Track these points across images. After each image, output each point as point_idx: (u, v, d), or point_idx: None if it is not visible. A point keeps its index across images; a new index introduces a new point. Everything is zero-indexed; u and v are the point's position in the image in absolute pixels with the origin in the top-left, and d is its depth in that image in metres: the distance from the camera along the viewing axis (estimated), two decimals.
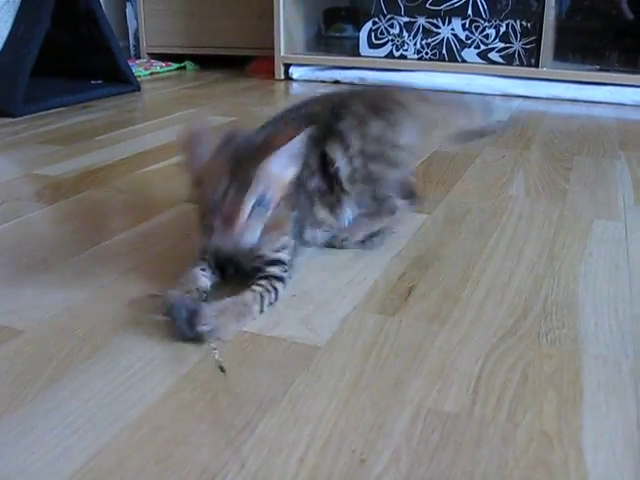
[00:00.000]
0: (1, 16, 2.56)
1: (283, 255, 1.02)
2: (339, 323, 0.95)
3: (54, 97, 2.56)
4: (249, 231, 0.91)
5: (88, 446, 0.71)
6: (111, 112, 2.48)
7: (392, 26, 2.95)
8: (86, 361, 0.87)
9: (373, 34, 2.98)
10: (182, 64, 3.56)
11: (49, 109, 2.52)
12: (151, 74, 3.34)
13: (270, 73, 3.18)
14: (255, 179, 0.89)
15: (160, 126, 2.22)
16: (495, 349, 0.88)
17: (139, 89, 2.87)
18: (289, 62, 3.11)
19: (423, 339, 0.91)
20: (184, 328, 0.88)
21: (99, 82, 2.86)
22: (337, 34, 3.52)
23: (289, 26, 3.10)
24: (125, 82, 2.83)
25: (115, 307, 0.99)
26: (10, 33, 2.51)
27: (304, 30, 3.25)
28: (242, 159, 0.90)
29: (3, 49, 2.49)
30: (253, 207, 0.89)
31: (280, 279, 1.01)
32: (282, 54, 3.09)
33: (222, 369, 0.83)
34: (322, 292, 1.04)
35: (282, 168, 0.94)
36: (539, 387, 0.81)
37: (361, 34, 2.99)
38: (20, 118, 2.40)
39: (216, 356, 0.85)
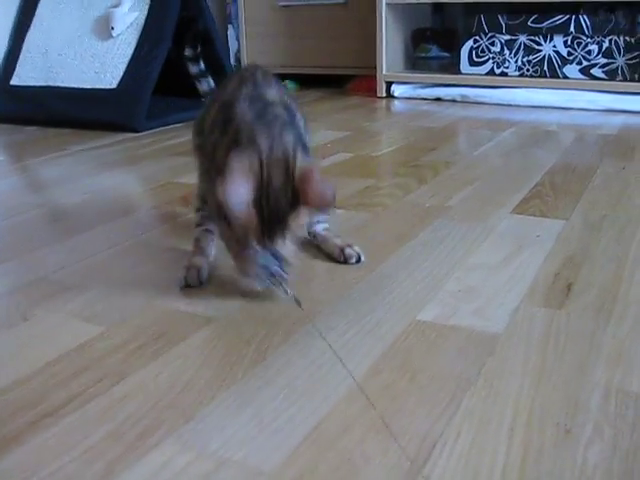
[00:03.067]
0: (125, 38, 2.71)
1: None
2: (510, 315, 1.00)
3: (172, 114, 2.69)
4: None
5: (309, 416, 0.78)
6: None
7: (493, 44, 3.00)
8: (283, 344, 0.94)
9: (474, 52, 3.03)
10: (282, 83, 3.66)
11: (167, 125, 2.65)
12: None
13: (370, 91, 3.26)
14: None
15: None
16: None
17: None
18: (390, 80, 3.18)
19: (595, 329, 0.96)
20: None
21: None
22: (422, 54, 3.58)
23: (389, 45, 3.17)
24: None
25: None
26: (134, 53, 2.65)
27: (403, 49, 3.33)
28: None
29: (127, 68, 2.63)
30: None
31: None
32: (384, 72, 3.16)
33: (298, 303, 1.04)
34: (486, 288, 1.10)
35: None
36: None
37: (462, 52, 3.05)
38: (142, 133, 2.54)
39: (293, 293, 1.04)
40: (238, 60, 3.84)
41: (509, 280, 1.13)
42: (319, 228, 1.25)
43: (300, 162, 0.95)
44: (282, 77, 3.66)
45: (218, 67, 2.88)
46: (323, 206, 0.96)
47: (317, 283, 1.16)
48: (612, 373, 0.85)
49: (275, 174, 0.94)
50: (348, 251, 1.20)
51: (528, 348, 0.91)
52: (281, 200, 0.94)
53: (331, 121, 2.68)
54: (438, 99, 3.09)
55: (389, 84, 3.21)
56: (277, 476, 0.68)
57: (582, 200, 1.57)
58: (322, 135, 2.35)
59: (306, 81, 3.65)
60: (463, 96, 3.02)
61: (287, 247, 0.97)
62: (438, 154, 2.05)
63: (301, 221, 0.97)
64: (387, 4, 3.09)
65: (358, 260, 1.20)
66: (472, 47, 3.05)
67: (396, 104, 3.10)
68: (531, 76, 2.96)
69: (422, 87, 3.15)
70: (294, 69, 3.66)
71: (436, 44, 3.59)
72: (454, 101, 3.05)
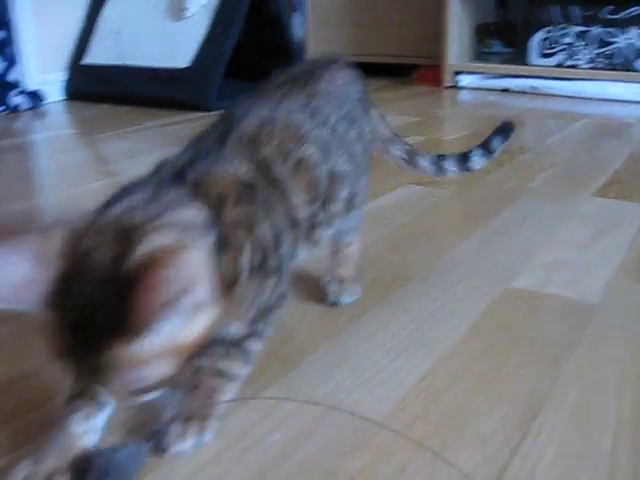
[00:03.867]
0: (199, 18, 2.73)
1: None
2: (605, 286, 1.00)
3: (240, 94, 2.70)
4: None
5: (412, 370, 0.79)
6: None
7: (565, 35, 2.96)
8: (377, 305, 0.95)
9: (544, 43, 3.00)
10: None
11: None
12: None
13: (435, 81, 3.25)
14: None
15: None
16: None
17: None
18: (457, 70, 3.17)
19: None
20: None
21: None
22: (486, 50, 3.55)
23: (456, 35, 3.16)
24: None
25: None
26: (207, 34, 2.68)
27: (468, 40, 3.30)
28: None
29: (200, 49, 2.66)
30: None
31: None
32: (451, 62, 3.14)
33: None
34: (577, 262, 1.10)
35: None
36: None
37: (532, 43, 3.02)
38: (213, 112, 2.56)
39: None
40: (303, 48, 3.86)
41: (599, 255, 1.12)
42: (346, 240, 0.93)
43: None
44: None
45: (285, 51, 2.90)
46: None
47: (408, 250, 1.16)
48: None
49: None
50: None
51: (627, 317, 0.91)
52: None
53: (400, 108, 2.68)
54: (505, 90, 3.06)
55: (455, 74, 3.19)
56: (388, 422, 0.69)
57: None
58: (393, 121, 2.34)
59: (370, 69, 3.64)
60: (532, 88, 2.99)
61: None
62: (511, 140, 2.03)
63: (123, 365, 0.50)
64: None
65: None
66: (543, 38, 3.01)
67: (463, 94, 3.08)
68: (603, 69, 2.92)
69: (489, 78, 3.12)
70: (358, 57, 3.65)
71: (499, 39, 3.56)
72: (522, 93, 3.01)
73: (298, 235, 0.70)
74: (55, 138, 2.25)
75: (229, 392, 0.69)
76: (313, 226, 0.73)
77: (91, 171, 1.84)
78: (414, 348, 0.84)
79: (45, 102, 2.73)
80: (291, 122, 0.72)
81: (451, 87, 3.13)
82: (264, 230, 0.63)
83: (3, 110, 2.58)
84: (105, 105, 2.72)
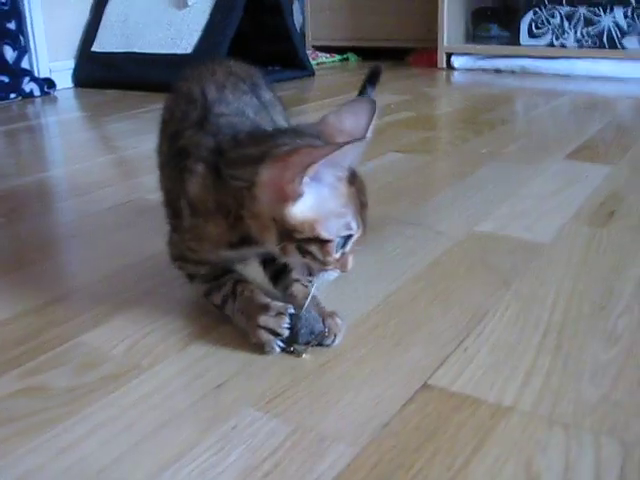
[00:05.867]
0: (200, 7, 2.87)
1: None
2: (557, 229, 1.14)
3: None
4: None
5: (381, 290, 0.93)
6: (294, 92, 2.74)
7: (553, 16, 3.08)
8: None
9: (534, 24, 3.12)
10: (345, 56, 3.80)
11: None
12: (318, 64, 3.60)
13: (430, 63, 3.37)
14: None
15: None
16: None
17: (313, 74, 3.13)
18: (451, 52, 3.29)
19: (631, 241, 1.09)
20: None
21: (277, 68, 3.13)
22: (483, 34, 3.65)
23: (450, 18, 3.28)
24: (302, 68, 3.09)
25: None
26: (208, 21, 2.81)
27: (463, 23, 3.43)
28: None
29: (202, 35, 2.80)
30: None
31: None
32: (445, 44, 3.27)
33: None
34: (536, 211, 1.23)
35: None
36: None
37: (521, 24, 3.14)
38: None
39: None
40: (303, 33, 3.99)
41: (557, 206, 1.26)
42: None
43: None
44: (344, 50, 3.81)
45: (286, 37, 3.03)
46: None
47: (388, 203, 1.30)
48: None
49: None
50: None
51: (571, 253, 1.05)
52: None
53: (393, 87, 2.80)
54: (497, 71, 3.18)
55: (449, 56, 3.31)
56: (355, 327, 0.83)
57: (631, 151, 1.67)
58: (385, 98, 2.48)
59: (368, 54, 3.78)
60: (522, 67, 3.11)
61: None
62: (495, 114, 2.17)
63: None
64: None
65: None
66: (532, 19, 3.14)
67: (456, 75, 3.21)
68: (590, 47, 3.04)
69: (481, 59, 3.25)
70: (356, 42, 3.79)
71: (496, 23, 3.67)
72: (513, 72, 3.14)
73: None
74: (65, 121, 2.40)
75: None
76: None
77: (98, 148, 1.99)
78: (386, 273, 0.98)
79: (55, 89, 2.87)
80: None
81: (445, 69, 3.25)
82: None
83: (17, 96, 2.72)
84: (113, 91, 2.85)
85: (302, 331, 0.78)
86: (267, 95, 0.92)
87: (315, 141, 0.75)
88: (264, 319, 0.78)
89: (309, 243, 0.73)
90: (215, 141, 0.79)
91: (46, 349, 0.81)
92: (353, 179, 0.74)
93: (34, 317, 0.90)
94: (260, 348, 0.78)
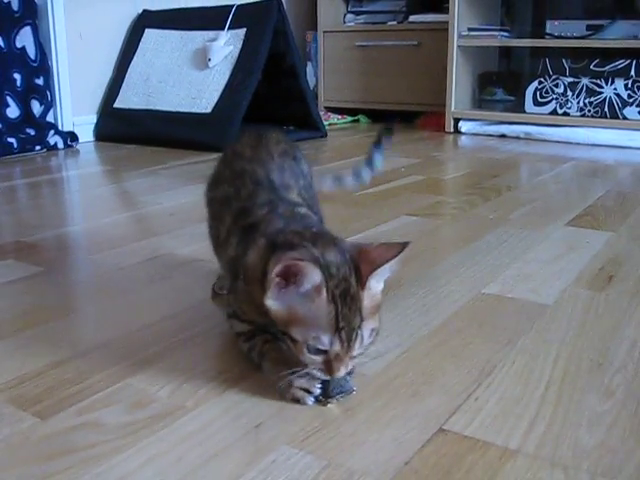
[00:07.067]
0: (220, 68, 3.02)
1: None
2: (560, 292, 1.24)
3: None
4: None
5: (402, 342, 1.02)
6: (308, 152, 2.86)
7: (557, 85, 3.23)
8: None
9: (538, 93, 3.26)
10: (356, 117, 3.95)
11: None
12: (329, 124, 3.74)
13: (438, 127, 3.51)
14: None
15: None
16: None
17: (326, 135, 3.26)
18: (458, 117, 3.43)
19: (628, 305, 1.18)
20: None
21: (291, 128, 3.26)
22: (488, 97, 3.80)
23: (458, 84, 3.43)
24: (315, 129, 3.22)
25: None
26: (227, 82, 2.96)
27: (470, 89, 3.57)
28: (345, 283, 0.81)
29: (221, 95, 2.94)
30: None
31: None
32: (453, 109, 3.41)
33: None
34: (540, 275, 1.33)
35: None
36: None
37: (527, 93, 3.28)
38: None
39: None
40: (315, 94, 4.14)
41: (560, 270, 1.36)
42: None
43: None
44: (355, 112, 3.96)
45: (300, 98, 3.17)
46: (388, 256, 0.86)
47: (402, 265, 1.39)
48: None
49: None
50: None
51: (572, 314, 1.14)
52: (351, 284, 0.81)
53: (403, 150, 2.93)
54: (503, 136, 3.32)
55: (457, 120, 3.45)
56: (375, 378, 0.92)
57: (630, 218, 1.78)
58: (396, 162, 2.60)
59: (378, 116, 3.92)
60: (527, 133, 3.25)
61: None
62: (501, 180, 2.28)
63: (376, 292, 0.85)
64: (458, 46, 3.35)
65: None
66: (537, 88, 3.28)
67: (463, 139, 3.34)
68: (592, 116, 3.18)
69: (488, 124, 3.39)
70: (367, 104, 3.94)
71: (502, 87, 3.82)
72: (518, 138, 3.27)
73: None
74: (87, 174, 2.52)
75: None
76: None
77: (118, 204, 2.10)
78: (402, 330, 1.07)
79: (78, 142, 3.00)
80: None
81: (453, 132, 3.38)
82: None
83: (42, 148, 2.85)
84: (133, 146, 2.98)
85: (334, 391, 0.86)
86: (305, 167, 1.04)
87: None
88: (299, 382, 0.86)
89: (284, 335, 0.83)
90: (284, 223, 0.90)
91: (97, 390, 0.90)
92: (344, 298, 0.80)
93: (81, 361, 0.99)
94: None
